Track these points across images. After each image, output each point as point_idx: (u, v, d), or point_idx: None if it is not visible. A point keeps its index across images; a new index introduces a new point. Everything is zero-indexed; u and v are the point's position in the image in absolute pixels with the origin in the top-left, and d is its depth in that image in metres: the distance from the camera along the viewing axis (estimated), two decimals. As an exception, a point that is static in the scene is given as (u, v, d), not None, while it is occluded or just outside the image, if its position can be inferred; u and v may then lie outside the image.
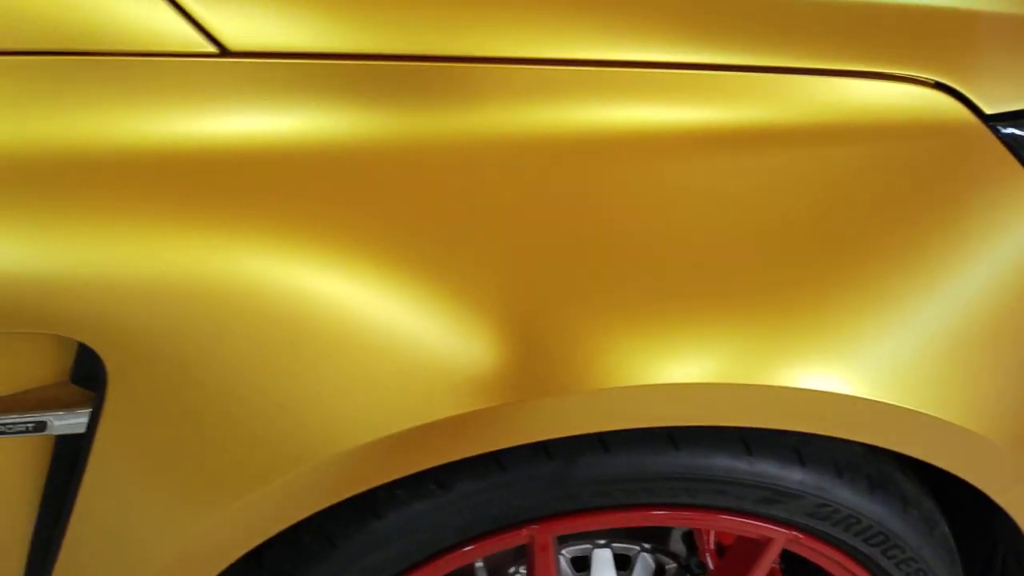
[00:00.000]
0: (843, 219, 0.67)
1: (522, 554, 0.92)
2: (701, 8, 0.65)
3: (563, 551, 0.98)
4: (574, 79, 0.63)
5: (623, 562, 0.99)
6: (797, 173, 0.66)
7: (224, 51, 0.58)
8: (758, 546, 0.83)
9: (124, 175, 0.58)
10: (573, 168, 0.63)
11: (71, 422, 0.64)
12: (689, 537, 1.03)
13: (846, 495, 0.77)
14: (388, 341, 0.62)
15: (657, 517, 0.79)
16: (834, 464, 0.76)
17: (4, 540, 0.73)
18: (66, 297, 0.59)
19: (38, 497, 0.71)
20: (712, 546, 1.02)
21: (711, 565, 1.01)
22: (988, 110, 0.68)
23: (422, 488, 0.72)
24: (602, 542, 0.98)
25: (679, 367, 0.66)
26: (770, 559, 0.83)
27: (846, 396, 0.67)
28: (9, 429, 0.64)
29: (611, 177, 0.64)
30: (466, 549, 0.76)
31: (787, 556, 0.93)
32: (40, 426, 0.64)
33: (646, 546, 0.99)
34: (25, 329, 0.61)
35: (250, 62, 0.59)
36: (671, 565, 1.00)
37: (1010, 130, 0.68)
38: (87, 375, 0.65)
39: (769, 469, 0.75)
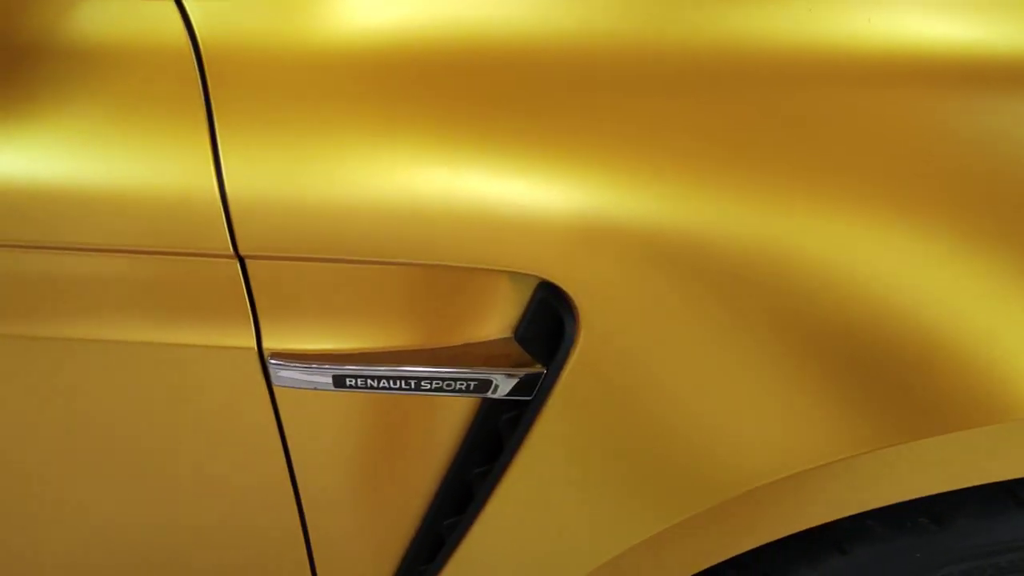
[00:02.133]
0: None
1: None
2: None
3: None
4: None
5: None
6: None
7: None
8: None
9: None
10: None
11: (521, 384, 0.54)
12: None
13: None
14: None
15: None
16: None
17: (385, 522, 0.63)
18: (537, 229, 0.48)
19: (436, 476, 0.61)
20: None
21: None
22: None
23: (908, 520, 0.57)
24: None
25: None
26: None
27: None
28: (450, 386, 0.54)
29: None
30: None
31: None
32: (484, 385, 0.54)
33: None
34: (476, 264, 0.50)
35: None
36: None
37: None
38: (532, 335, 0.55)
39: None
